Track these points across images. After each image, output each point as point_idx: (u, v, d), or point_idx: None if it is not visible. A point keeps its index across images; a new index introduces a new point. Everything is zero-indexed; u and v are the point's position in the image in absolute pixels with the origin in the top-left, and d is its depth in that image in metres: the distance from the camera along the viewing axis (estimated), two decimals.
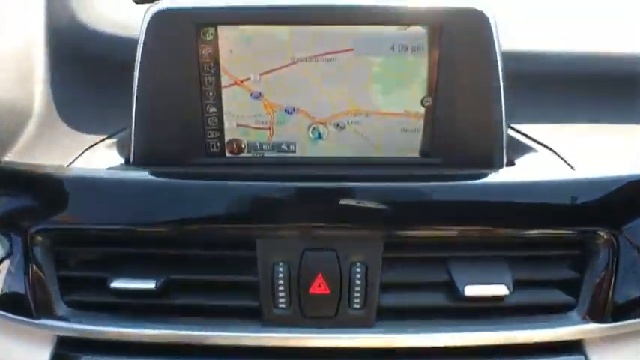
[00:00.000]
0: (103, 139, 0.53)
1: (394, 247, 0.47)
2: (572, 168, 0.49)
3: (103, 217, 0.48)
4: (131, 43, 0.48)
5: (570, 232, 0.47)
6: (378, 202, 0.46)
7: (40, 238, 0.48)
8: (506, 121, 0.49)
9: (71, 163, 0.49)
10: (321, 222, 0.47)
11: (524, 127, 0.54)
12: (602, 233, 0.47)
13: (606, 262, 0.47)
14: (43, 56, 0.59)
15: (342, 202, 0.46)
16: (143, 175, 0.48)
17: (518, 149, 0.52)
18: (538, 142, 0.53)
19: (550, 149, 0.52)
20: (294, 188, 0.46)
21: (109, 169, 0.49)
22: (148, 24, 0.46)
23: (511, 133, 0.53)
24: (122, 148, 0.52)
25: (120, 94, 0.50)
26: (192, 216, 0.47)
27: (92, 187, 0.48)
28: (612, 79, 0.57)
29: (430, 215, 0.47)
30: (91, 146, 0.52)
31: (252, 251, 0.47)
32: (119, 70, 0.52)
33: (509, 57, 0.57)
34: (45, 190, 0.48)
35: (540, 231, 0.47)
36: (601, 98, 0.57)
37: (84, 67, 0.59)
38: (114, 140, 0.53)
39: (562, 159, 0.51)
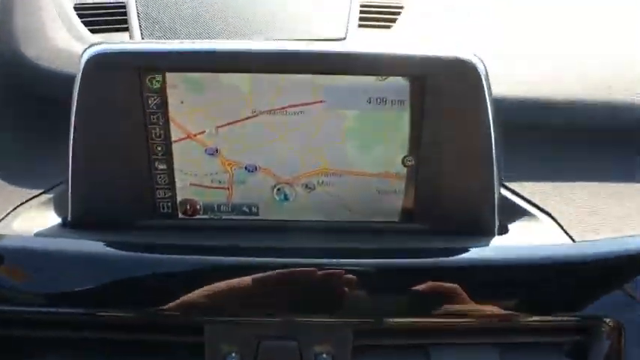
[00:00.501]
0: (38, 195, 0.46)
1: (366, 335, 0.41)
2: (572, 239, 0.43)
3: (30, 294, 0.41)
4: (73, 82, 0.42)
5: (571, 318, 0.41)
6: (348, 282, 0.40)
7: None
8: (499, 179, 0.44)
9: None
10: (281, 306, 0.40)
11: (517, 186, 0.48)
12: (607, 320, 0.41)
13: (611, 352, 0.41)
14: None
15: (306, 282, 0.40)
16: (78, 244, 0.41)
17: (511, 211, 0.46)
18: (533, 204, 0.47)
19: (546, 212, 0.46)
20: (250, 265, 0.40)
21: (39, 234, 0.42)
22: (85, 68, 0.40)
23: (503, 192, 0.48)
24: (59, 205, 0.45)
25: (63, 140, 0.44)
26: (132, 295, 0.40)
27: (18, 257, 0.41)
28: (614, 132, 0.52)
29: (408, 297, 0.41)
30: (23, 203, 0.45)
31: (200, 337, 0.41)
32: (63, 112, 0.46)
33: (500, 105, 0.52)
34: None
35: (536, 316, 0.41)
36: (601, 152, 0.51)
37: (23, 105, 0.51)
38: (50, 196, 0.45)
39: (560, 225, 0.45)
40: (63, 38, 0.57)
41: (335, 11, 0.65)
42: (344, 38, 0.61)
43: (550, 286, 0.42)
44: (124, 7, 0.64)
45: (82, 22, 0.61)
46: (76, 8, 0.63)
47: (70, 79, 0.50)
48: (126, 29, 0.60)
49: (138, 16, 0.61)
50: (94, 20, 0.61)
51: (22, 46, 0.55)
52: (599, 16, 0.69)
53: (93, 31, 0.59)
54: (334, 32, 0.62)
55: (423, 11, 0.69)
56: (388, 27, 0.65)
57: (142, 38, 0.59)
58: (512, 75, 0.54)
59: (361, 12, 0.67)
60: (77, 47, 0.55)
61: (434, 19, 0.67)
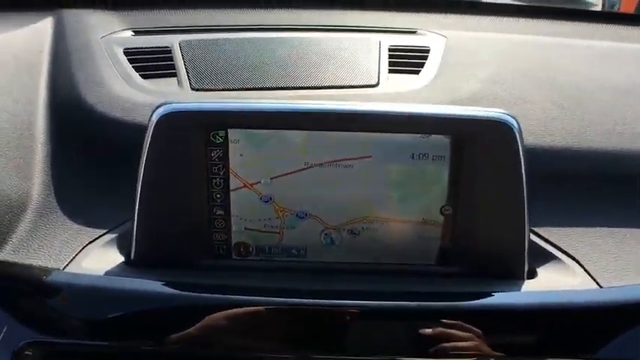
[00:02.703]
0: (103, 234, 0.49)
1: None
2: (598, 284, 0.47)
3: (100, 329, 0.44)
4: (137, 128, 0.46)
5: None
6: (388, 323, 0.43)
7: (29, 353, 0.44)
8: (528, 228, 0.47)
9: (67, 265, 0.46)
10: (324, 346, 0.44)
11: (546, 231, 0.52)
12: None
13: None
14: (42, 136, 0.56)
15: (351, 323, 0.43)
16: (143, 284, 0.44)
17: (539, 256, 0.50)
18: (560, 249, 0.50)
19: (573, 258, 0.49)
20: (298, 305, 0.43)
21: (107, 272, 0.46)
22: (155, 124, 0.44)
23: (532, 237, 0.51)
24: (123, 244, 0.49)
25: (123, 182, 0.48)
26: (194, 333, 0.43)
27: (87, 295, 0.44)
28: (637, 180, 0.55)
29: (443, 339, 0.44)
30: (90, 242, 0.49)
31: None
32: (123, 157, 0.49)
33: (529, 154, 0.55)
34: (37, 298, 0.45)
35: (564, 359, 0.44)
36: (626, 199, 0.54)
37: (86, 151, 0.55)
38: (114, 235, 0.49)
39: (586, 270, 0.48)
40: (119, 85, 0.61)
41: (367, 57, 0.69)
42: (377, 85, 0.65)
43: (576, 330, 0.45)
44: (169, 51, 0.69)
45: (133, 67, 0.65)
46: (126, 53, 0.68)
47: (129, 125, 0.54)
48: (174, 74, 0.65)
49: (184, 62, 0.66)
50: (143, 65, 0.66)
51: (82, 92, 0.59)
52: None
53: (144, 77, 0.64)
54: (367, 79, 0.66)
55: (448, 53, 0.73)
56: (417, 72, 0.69)
57: (190, 84, 0.63)
58: (537, 124, 0.58)
59: (390, 56, 0.70)
60: (133, 94, 0.60)
61: (460, 61, 0.71)
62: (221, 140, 0.45)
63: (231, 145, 0.45)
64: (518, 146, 0.44)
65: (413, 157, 0.45)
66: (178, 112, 0.44)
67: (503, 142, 0.44)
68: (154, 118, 0.44)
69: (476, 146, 0.44)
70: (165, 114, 0.43)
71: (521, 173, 0.45)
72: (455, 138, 0.44)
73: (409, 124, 0.44)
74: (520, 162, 0.44)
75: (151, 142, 0.44)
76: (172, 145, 0.44)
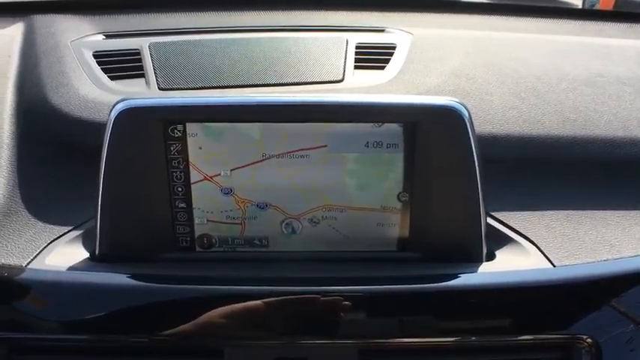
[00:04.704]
0: (68, 231, 0.50)
1: (370, 354, 0.45)
2: (552, 263, 0.48)
3: (64, 324, 0.45)
4: (103, 127, 0.46)
5: (552, 336, 0.45)
6: (352, 307, 0.44)
7: None
8: (485, 211, 0.48)
9: (30, 261, 0.47)
10: (292, 330, 0.45)
11: (503, 215, 0.53)
12: (584, 337, 0.45)
13: None
14: (8, 137, 0.57)
15: (312, 308, 0.44)
16: (107, 278, 0.45)
17: (497, 239, 0.51)
18: (517, 232, 0.51)
19: (530, 240, 0.50)
20: (264, 293, 0.44)
21: (71, 268, 0.46)
22: (114, 120, 0.45)
23: (490, 221, 0.52)
24: (87, 241, 0.50)
25: (89, 180, 0.48)
26: (158, 323, 0.44)
27: (51, 290, 0.45)
28: (591, 164, 0.57)
29: (404, 319, 0.45)
30: (54, 239, 0.49)
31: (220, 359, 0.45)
32: (89, 155, 0.50)
33: (487, 141, 0.57)
34: (1, 294, 0.46)
35: (521, 335, 0.45)
36: (581, 184, 0.56)
37: (52, 151, 0.56)
38: (79, 232, 0.50)
39: (541, 251, 0.50)
40: (86, 86, 0.62)
41: (333, 54, 0.71)
42: (342, 80, 0.67)
43: (532, 308, 0.46)
44: (138, 53, 0.70)
45: (101, 69, 0.66)
46: (95, 56, 0.69)
47: (95, 125, 0.55)
48: (142, 75, 0.66)
49: (152, 64, 0.67)
50: (112, 67, 0.67)
51: (49, 94, 0.60)
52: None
53: (112, 78, 0.65)
54: (332, 75, 0.67)
55: (414, 49, 0.74)
56: (382, 68, 0.70)
57: (158, 84, 0.64)
58: (496, 114, 0.60)
59: (357, 54, 0.72)
60: (99, 94, 0.61)
61: (424, 56, 0.72)
62: (180, 134, 0.46)
63: (189, 139, 0.46)
64: (468, 132, 0.45)
65: (367, 146, 0.46)
66: (136, 107, 0.45)
67: (454, 128, 0.45)
68: (113, 114, 0.45)
69: (428, 133, 0.45)
70: (124, 109, 0.44)
71: (473, 159, 0.46)
72: (407, 126, 0.46)
73: (361, 114, 0.45)
74: (471, 148, 0.46)
75: (110, 138, 0.45)
76: (132, 140, 0.45)
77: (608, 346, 0.45)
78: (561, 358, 0.47)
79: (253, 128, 0.46)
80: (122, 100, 0.45)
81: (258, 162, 0.46)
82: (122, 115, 0.44)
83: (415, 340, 0.45)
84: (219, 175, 0.47)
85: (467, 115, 0.46)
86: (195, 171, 0.46)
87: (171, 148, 0.46)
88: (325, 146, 0.46)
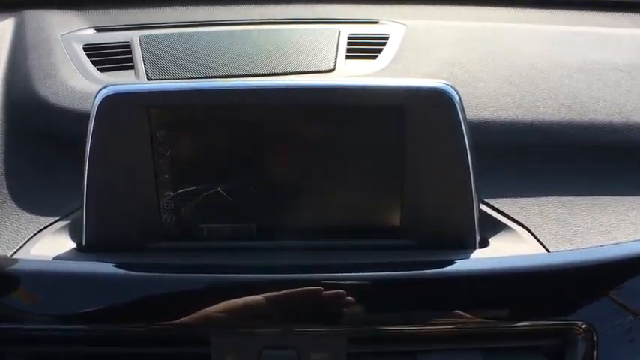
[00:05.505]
0: (54, 222, 0.50)
1: (359, 342, 0.45)
2: (546, 249, 0.47)
3: (49, 314, 0.44)
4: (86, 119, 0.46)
5: (547, 322, 0.45)
6: (344, 295, 0.43)
7: None
8: (477, 197, 0.48)
9: (16, 251, 0.46)
10: (283, 318, 0.44)
11: (497, 202, 0.52)
12: (580, 323, 0.44)
13: (585, 354, 0.45)
14: None
15: (302, 296, 0.43)
16: (93, 267, 0.44)
17: (491, 226, 0.50)
18: (510, 218, 0.51)
19: (524, 226, 0.50)
20: (252, 282, 0.44)
21: (56, 258, 0.46)
22: (99, 107, 0.44)
23: (483, 208, 0.52)
24: (74, 231, 0.49)
25: (76, 170, 0.48)
26: (145, 312, 0.44)
27: (37, 280, 0.44)
28: (587, 150, 0.56)
29: (397, 307, 0.44)
30: (41, 230, 0.49)
31: (207, 348, 0.44)
32: (76, 146, 0.50)
33: (481, 128, 0.56)
34: None
35: (516, 321, 0.44)
36: (576, 170, 0.55)
37: (40, 141, 0.56)
38: (65, 222, 0.50)
39: (536, 238, 0.49)
40: (74, 77, 0.61)
41: (325, 45, 0.70)
42: (333, 69, 0.66)
43: (527, 293, 0.45)
44: (129, 46, 0.70)
45: (91, 61, 0.66)
46: (85, 49, 0.69)
47: (83, 115, 0.55)
48: (132, 67, 0.65)
49: (142, 56, 0.67)
50: (102, 60, 0.66)
51: (37, 85, 0.59)
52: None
53: (102, 70, 0.64)
54: (324, 64, 0.66)
55: (407, 39, 0.74)
56: (374, 57, 0.70)
57: (147, 76, 0.63)
58: (489, 100, 0.59)
59: (349, 44, 0.71)
60: (87, 85, 0.60)
61: (418, 46, 0.72)
62: (165, 120, 0.45)
63: (175, 125, 0.45)
64: (458, 115, 0.45)
65: (358, 130, 0.45)
66: (120, 93, 0.44)
67: (443, 111, 0.44)
68: (97, 101, 0.44)
69: (417, 117, 0.45)
70: (108, 95, 0.44)
71: (464, 143, 0.45)
72: (396, 110, 0.45)
73: (352, 97, 0.44)
74: (462, 132, 0.45)
75: (95, 125, 0.44)
76: (117, 127, 0.45)
77: (604, 332, 0.44)
78: (557, 345, 0.46)
79: (239, 112, 0.45)
80: (106, 86, 0.44)
81: (244, 147, 0.45)
82: (106, 101, 0.44)
83: (407, 327, 0.44)
84: (206, 161, 0.46)
85: (457, 97, 0.45)
86: (181, 158, 0.46)
87: (157, 135, 0.45)
88: (315, 131, 0.45)
